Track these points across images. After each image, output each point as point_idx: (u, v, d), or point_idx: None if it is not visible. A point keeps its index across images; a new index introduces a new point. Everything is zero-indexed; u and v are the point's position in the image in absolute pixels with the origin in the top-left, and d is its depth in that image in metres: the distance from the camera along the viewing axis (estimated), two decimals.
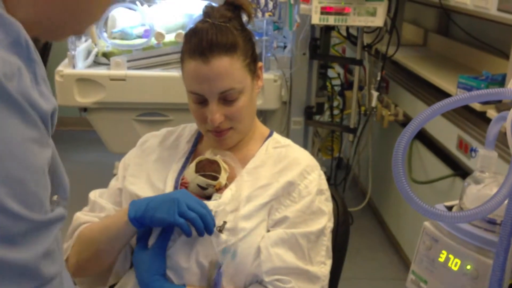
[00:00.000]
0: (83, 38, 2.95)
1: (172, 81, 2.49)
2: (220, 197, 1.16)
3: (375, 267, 2.88)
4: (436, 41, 3.11)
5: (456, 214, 0.74)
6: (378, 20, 2.48)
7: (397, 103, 2.83)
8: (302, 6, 2.58)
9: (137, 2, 2.89)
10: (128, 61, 2.76)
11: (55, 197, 0.63)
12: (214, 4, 1.22)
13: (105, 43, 2.83)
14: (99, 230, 1.19)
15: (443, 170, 2.35)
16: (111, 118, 2.84)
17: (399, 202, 2.87)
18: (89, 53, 2.90)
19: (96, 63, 2.86)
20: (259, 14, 2.67)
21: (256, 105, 1.26)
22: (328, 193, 1.23)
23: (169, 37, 2.80)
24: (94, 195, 1.29)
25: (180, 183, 1.23)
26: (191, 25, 1.24)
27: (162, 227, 1.14)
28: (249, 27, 1.24)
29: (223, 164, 1.20)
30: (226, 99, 1.16)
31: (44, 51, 2.09)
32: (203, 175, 1.19)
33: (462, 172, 2.23)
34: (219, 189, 1.19)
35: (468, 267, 0.81)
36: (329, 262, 1.19)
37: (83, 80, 2.71)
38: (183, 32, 2.19)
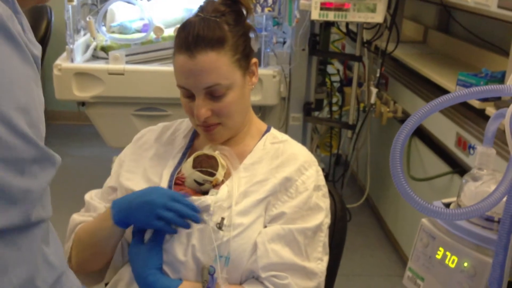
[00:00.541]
0: (82, 32, 2.94)
1: (171, 75, 2.44)
2: (217, 193, 1.16)
3: (373, 264, 2.88)
4: (436, 38, 3.11)
5: (453, 211, 0.74)
6: (378, 17, 2.47)
7: (396, 100, 2.82)
8: (302, 1, 2.57)
9: None
10: (127, 55, 2.75)
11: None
12: None
13: (104, 37, 2.82)
14: (90, 233, 1.20)
15: (441, 167, 2.35)
16: (109, 112, 2.83)
17: (397, 199, 2.88)
18: (87, 47, 2.89)
19: (94, 57, 2.85)
20: (259, 9, 2.67)
21: (249, 101, 1.25)
22: (325, 189, 1.23)
23: (168, 32, 2.79)
24: (89, 195, 1.31)
25: (177, 178, 1.22)
26: None
27: None
28: (248, 22, 1.24)
29: (220, 160, 1.20)
30: (213, 94, 1.16)
31: (42, 45, 2.08)
32: (200, 171, 1.18)
33: (460, 169, 2.23)
34: (216, 185, 1.19)
35: (465, 264, 0.81)
36: (326, 258, 1.19)
37: (81, 74, 2.70)
38: None
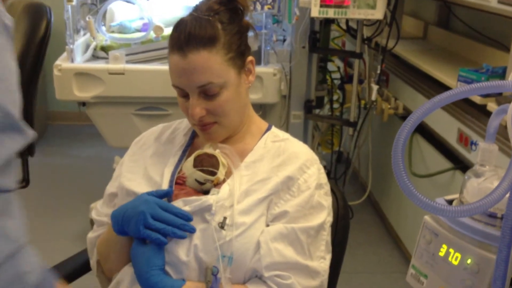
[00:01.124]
0: (82, 32, 2.94)
1: None
2: (218, 192, 1.16)
3: (375, 261, 2.87)
4: (436, 34, 3.10)
5: (456, 208, 0.74)
6: (378, 13, 2.47)
7: (397, 97, 2.82)
8: None
9: None
10: (127, 55, 2.74)
11: None
12: None
13: (104, 37, 2.82)
14: (106, 244, 1.24)
15: (443, 163, 2.35)
16: (110, 112, 2.83)
17: (400, 196, 2.87)
18: (87, 47, 2.88)
19: (94, 57, 2.84)
20: (258, 7, 2.66)
21: (247, 100, 1.25)
22: (327, 187, 1.23)
23: (168, 31, 2.78)
24: (95, 212, 1.33)
25: (177, 177, 1.22)
26: None
27: None
28: (248, 19, 1.23)
29: (221, 159, 1.19)
30: (207, 93, 1.15)
31: (42, 45, 2.08)
32: (201, 170, 1.18)
33: (462, 165, 2.22)
34: (217, 184, 1.18)
35: (469, 261, 0.81)
36: (328, 257, 1.19)
37: (81, 74, 2.70)
38: None
